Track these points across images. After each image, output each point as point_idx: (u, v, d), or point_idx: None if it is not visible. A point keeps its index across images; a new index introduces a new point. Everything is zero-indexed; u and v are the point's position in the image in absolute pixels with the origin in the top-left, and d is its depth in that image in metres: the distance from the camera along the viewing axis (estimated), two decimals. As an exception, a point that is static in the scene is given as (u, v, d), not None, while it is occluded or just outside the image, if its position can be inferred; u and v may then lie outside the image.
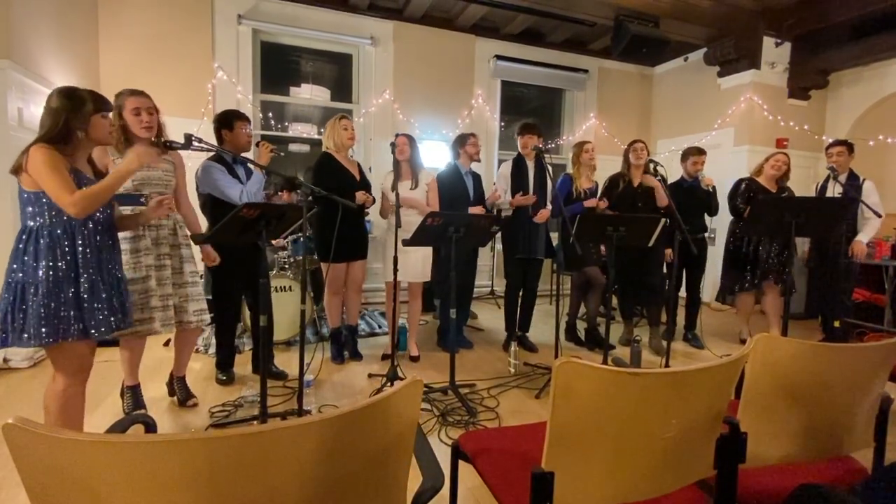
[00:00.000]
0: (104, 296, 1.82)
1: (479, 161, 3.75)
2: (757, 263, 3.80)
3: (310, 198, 2.28)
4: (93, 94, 1.79)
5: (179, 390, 2.63)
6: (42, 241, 1.69)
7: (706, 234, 3.98)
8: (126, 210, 2.21)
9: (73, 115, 1.71)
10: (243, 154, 2.87)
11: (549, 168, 3.31)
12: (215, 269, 2.88)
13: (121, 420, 1.14)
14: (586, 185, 3.79)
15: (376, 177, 4.03)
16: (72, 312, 1.72)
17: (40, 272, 1.67)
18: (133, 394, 2.46)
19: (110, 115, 1.84)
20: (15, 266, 1.68)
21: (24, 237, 1.70)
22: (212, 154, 2.71)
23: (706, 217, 3.94)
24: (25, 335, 1.65)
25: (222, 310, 2.93)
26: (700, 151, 3.90)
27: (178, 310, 2.42)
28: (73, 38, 3.97)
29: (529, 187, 3.58)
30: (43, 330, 1.66)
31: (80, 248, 1.75)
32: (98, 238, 1.83)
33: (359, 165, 3.37)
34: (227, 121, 2.81)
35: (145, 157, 1.83)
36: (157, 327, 2.31)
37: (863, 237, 3.76)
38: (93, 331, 1.76)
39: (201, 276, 4.08)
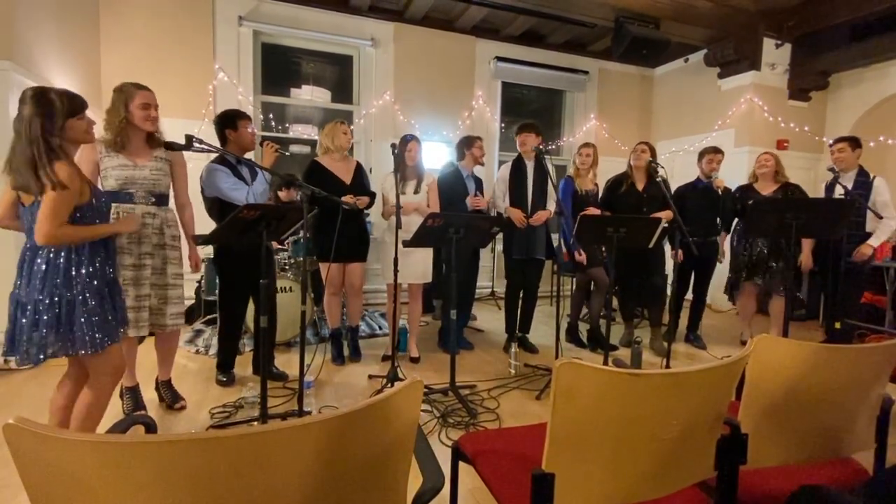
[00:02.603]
0: (120, 295, 1.94)
1: (482, 165, 3.75)
2: (746, 263, 3.82)
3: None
4: (63, 96, 1.69)
5: (166, 394, 2.60)
6: (84, 252, 1.75)
7: (718, 237, 3.93)
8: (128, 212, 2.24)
9: (48, 123, 1.64)
10: (247, 154, 2.87)
11: (552, 169, 3.30)
12: (222, 271, 2.87)
13: (121, 420, 1.14)
14: (586, 187, 3.78)
15: (376, 178, 4.04)
16: (115, 314, 1.85)
17: (88, 281, 1.74)
18: (132, 394, 2.46)
19: (86, 112, 1.77)
20: (57, 280, 1.69)
21: (62, 253, 1.71)
22: (215, 156, 2.71)
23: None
24: (74, 346, 1.72)
25: (227, 312, 2.92)
26: (716, 150, 3.82)
27: (155, 311, 2.34)
28: (75, 39, 3.98)
29: (529, 189, 3.57)
30: (97, 336, 1.74)
31: (113, 254, 1.89)
32: (106, 243, 1.87)
33: (358, 165, 3.34)
34: (230, 120, 2.78)
35: (133, 227, 1.97)
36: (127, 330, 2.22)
37: (874, 240, 3.62)
38: (130, 328, 1.96)
39: (198, 276, 4.09)
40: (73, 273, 1.71)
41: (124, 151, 2.23)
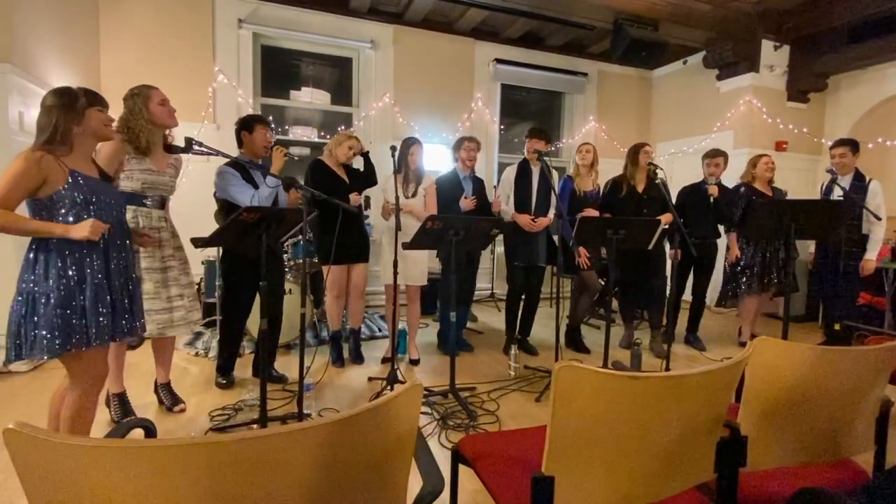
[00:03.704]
0: (109, 299, 1.78)
1: (470, 167, 3.67)
2: (754, 269, 3.80)
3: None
4: (86, 90, 1.77)
5: (165, 397, 2.60)
6: (53, 250, 1.66)
7: (717, 239, 3.93)
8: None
9: (65, 112, 1.68)
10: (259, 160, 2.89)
11: (555, 174, 3.29)
12: (227, 274, 2.87)
13: (121, 424, 1.14)
14: (586, 188, 3.78)
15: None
16: (83, 321, 1.70)
17: (51, 281, 1.65)
18: (121, 401, 2.43)
19: (107, 110, 1.81)
20: (26, 276, 1.65)
21: (33, 246, 1.67)
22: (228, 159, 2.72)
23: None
24: (37, 347, 1.62)
25: (231, 315, 2.91)
26: (716, 154, 3.79)
27: (189, 309, 2.43)
28: (74, 42, 3.99)
29: (533, 193, 3.57)
30: (57, 342, 1.63)
31: (87, 253, 1.73)
32: (107, 239, 1.80)
33: (347, 168, 3.35)
34: (248, 123, 2.83)
35: (93, 236, 1.66)
36: (150, 329, 2.25)
37: (871, 254, 3.68)
38: (97, 338, 1.73)
39: (198, 278, 4.09)
40: (42, 269, 1.65)
41: (149, 157, 2.25)
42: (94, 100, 1.76)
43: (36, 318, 1.63)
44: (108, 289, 1.78)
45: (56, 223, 1.67)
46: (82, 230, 1.64)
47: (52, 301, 1.64)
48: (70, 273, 1.68)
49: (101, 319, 1.74)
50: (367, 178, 3.37)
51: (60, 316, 1.65)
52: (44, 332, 1.62)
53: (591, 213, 3.64)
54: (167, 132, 2.34)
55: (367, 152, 3.36)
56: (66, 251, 1.68)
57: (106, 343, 1.78)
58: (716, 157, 3.79)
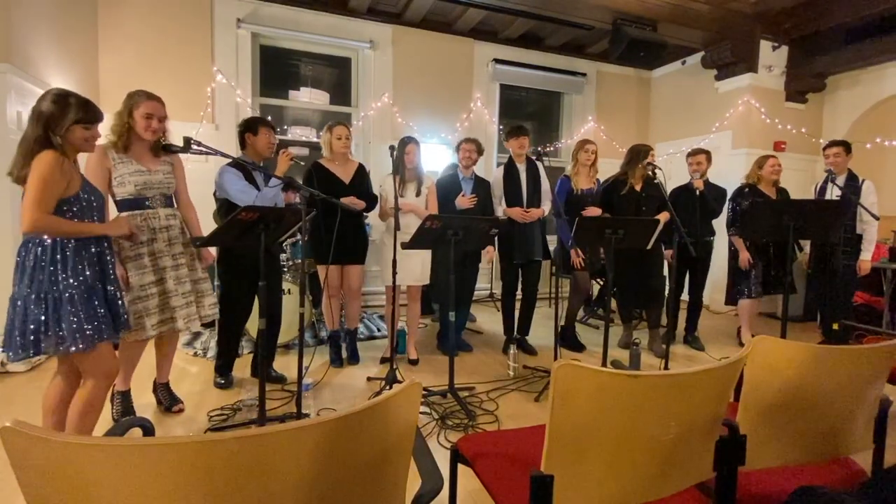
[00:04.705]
0: (121, 294, 1.96)
1: (466, 167, 3.66)
2: (761, 270, 3.81)
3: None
4: (82, 104, 1.78)
5: (164, 397, 2.60)
6: (69, 250, 1.75)
7: (713, 238, 3.94)
8: (122, 215, 2.24)
9: (52, 120, 1.72)
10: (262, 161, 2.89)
11: (543, 169, 3.29)
12: (225, 274, 2.87)
13: (119, 423, 1.14)
14: (585, 186, 3.78)
15: (374, 180, 4.02)
16: (109, 313, 1.84)
17: (72, 280, 1.73)
18: (123, 399, 2.43)
19: (96, 126, 1.84)
20: (41, 277, 1.70)
21: (48, 247, 1.72)
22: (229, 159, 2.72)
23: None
24: (63, 344, 1.71)
25: (229, 315, 2.89)
26: (697, 152, 3.87)
27: (196, 305, 2.46)
28: (73, 41, 3.98)
29: (522, 189, 3.58)
30: (87, 332, 1.74)
31: (102, 252, 1.86)
32: (98, 241, 1.89)
33: (359, 166, 3.35)
34: (252, 125, 2.84)
35: (123, 231, 2.00)
36: (179, 325, 2.35)
37: (866, 254, 3.75)
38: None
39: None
40: (60, 271, 1.73)
41: (128, 154, 2.27)
42: (84, 115, 1.78)
43: (60, 316, 1.71)
44: (117, 283, 1.94)
45: (94, 223, 1.85)
46: (120, 227, 1.96)
47: (76, 298, 1.74)
48: (87, 272, 1.79)
49: (122, 310, 1.94)
50: (364, 191, 3.31)
51: (88, 311, 1.76)
52: (74, 328, 1.72)
53: (594, 211, 3.64)
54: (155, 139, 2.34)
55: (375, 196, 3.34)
56: (83, 252, 1.79)
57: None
58: (697, 154, 3.86)
